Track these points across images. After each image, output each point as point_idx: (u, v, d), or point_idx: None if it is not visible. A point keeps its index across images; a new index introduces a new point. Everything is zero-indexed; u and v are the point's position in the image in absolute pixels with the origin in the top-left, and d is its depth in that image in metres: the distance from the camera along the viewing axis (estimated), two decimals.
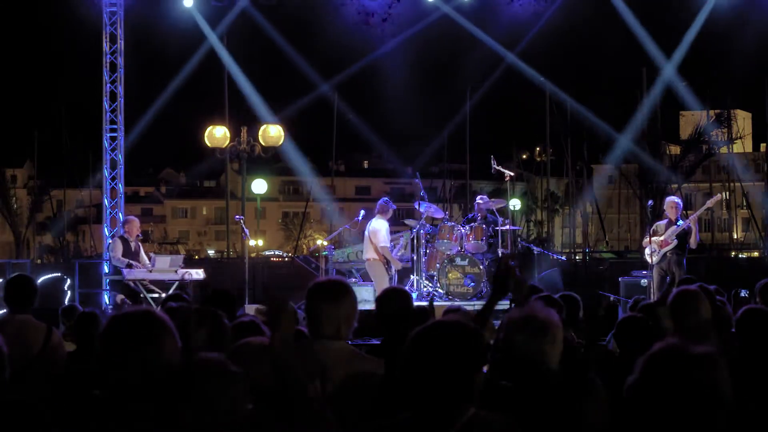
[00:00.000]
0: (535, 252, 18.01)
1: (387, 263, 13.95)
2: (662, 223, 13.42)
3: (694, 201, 48.29)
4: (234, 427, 2.75)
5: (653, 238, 13.23)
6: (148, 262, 13.45)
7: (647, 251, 13.38)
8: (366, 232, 14.09)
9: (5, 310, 6.63)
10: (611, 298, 14.91)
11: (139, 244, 13.79)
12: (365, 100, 29.59)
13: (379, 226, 13.92)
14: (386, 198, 14.68)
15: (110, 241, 15.12)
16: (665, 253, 13.11)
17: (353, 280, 14.79)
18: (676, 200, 13.74)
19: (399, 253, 14.67)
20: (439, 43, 22.04)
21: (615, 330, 5.61)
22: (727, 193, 42.03)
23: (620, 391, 4.50)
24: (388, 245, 13.99)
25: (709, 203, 14.02)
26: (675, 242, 13.05)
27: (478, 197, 15.74)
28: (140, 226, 14.06)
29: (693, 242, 13.15)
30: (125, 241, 13.59)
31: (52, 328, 6.27)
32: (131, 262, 13.29)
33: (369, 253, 13.94)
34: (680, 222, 13.23)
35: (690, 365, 2.55)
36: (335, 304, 4.21)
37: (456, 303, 12.19)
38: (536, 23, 22.37)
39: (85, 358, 5.83)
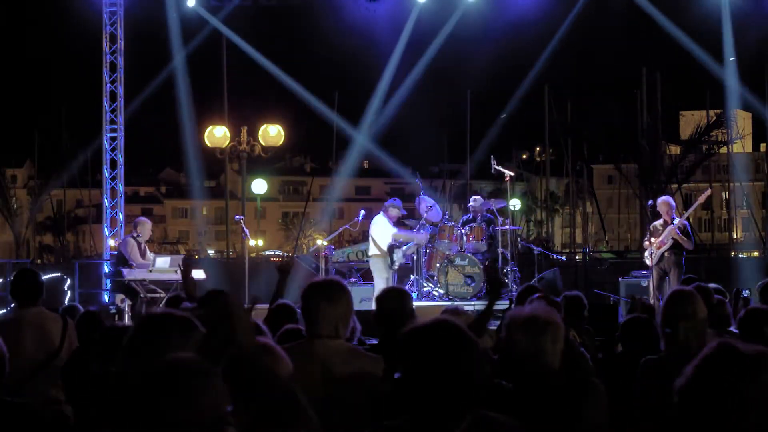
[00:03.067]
0: (535, 252, 18.02)
1: (389, 261, 13.90)
2: (659, 222, 13.40)
3: (694, 201, 48.25)
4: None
5: (652, 239, 13.23)
6: (149, 260, 13.44)
7: (646, 253, 13.39)
8: (369, 230, 14.12)
9: (12, 306, 6.70)
10: (611, 298, 14.93)
11: (146, 245, 13.78)
12: (365, 99, 29.54)
13: (377, 220, 13.97)
14: (395, 198, 14.64)
15: (122, 241, 15.08)
16: (663, 253, 13.10)
17: (353, 280, 14.78)
18: (668, 200, 13.73)
19: (408, 251, 14.52)
20: (439, 43, 22.02)
21: (618, 330, 5.61)
22: (727, 193, 42.04)
23: (621, 391, 4.51)
24: (391, 233, 13.84)
25: (701, 199, 14.05)
26: (671, 242, 13.04)
27: (472, 198, 15.66)
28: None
29: (688, 244, 13.14)
30: (138, 243, 13.53)
31: (68, 318, 6.34)
32: (120, 269, 13.27)
33: (371, 250, 13.96)
34: (676, 220, 13.22)
35: (745, 365, 2.51)
36: (332, 303, 4.24)
37: (456, 303, 12.20)
38: (538, 24, 22.38)
39: (86, 357, 5.84)
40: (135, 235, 13.60)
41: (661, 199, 13.81)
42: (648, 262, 13.41)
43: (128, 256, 13.44)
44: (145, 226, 13.70)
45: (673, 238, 13.01)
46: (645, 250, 13.52)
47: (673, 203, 13.71)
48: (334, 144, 35.18)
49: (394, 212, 14.12)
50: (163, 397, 2.56)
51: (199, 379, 2.59)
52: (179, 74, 24.34)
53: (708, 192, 14.07)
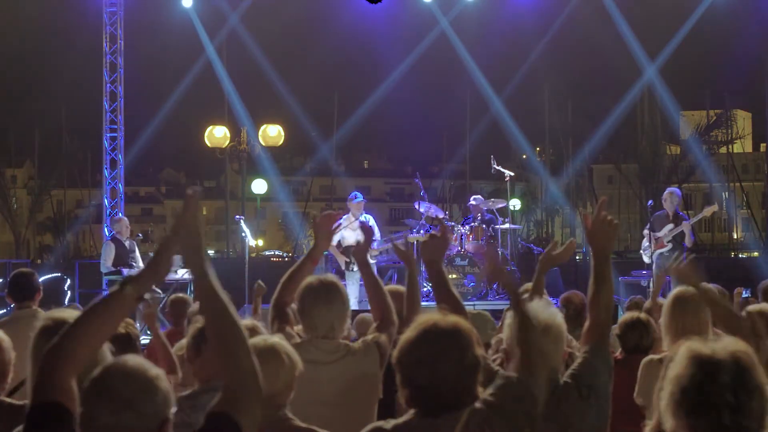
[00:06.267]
0: (535, 252, 18.01)
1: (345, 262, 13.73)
2: (660, 214, 13.30)
3: (694, 201, 48.27)
4: None
5: (652, 233, 13.14)
6: (141, 263, 13.43)
7: (644, 244, 13.32)
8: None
9: (11, 306, 6.61)
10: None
11: (134, 242, 13.74)
12: (365, 99, 29.58)
13: None
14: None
15: (104, 243, 15.08)
16: (661, 253, 13.05)
17: None
18: (673, 191, 13.60)
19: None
20: (440, 45, 22.02)
21: (616, 330, 5.60)
22: (727, 193, 42.08)
23: (620, 390, 4.50)
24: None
25: (706, 212, 13.96)
26: (669, 246, 12.98)
27: (472, 198, 15.66)
28: (140, 226, 14.00)
29: (688, 241, 13.12)
30: (118, 242, 13.51)
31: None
32: (131, 264, 13.27)
33: None
34: (680, 213, 13.15)
35: None
36: (327, 304, 4.26)
37: None
38: (538, 24, 22.36)
39: None
40: (116, 235, 13.64)
41: (668, 190, 13.66)
42: (646, 259, 13.37)
43: (102, 261, 13.50)
44: (121, 224, 13.72)
45: (671, 240, 12.94)
46: (644, 238, 13.44)
47: (679, 194, 13.61)
48: (334, 144, 35.21)
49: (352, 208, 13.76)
50: (103, 407, 2.49)
51: (139, 386, 2.52)
52: (179, 73, 24.37)
53: (714, 207, 13.94)
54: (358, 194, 14.00)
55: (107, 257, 13.38)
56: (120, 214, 17.82)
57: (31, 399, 2.73)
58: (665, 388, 2.51)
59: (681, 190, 39.82)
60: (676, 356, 2.54)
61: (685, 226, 12.96)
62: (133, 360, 2.59)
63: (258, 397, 2.60)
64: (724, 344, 2.51)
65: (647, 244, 13.24)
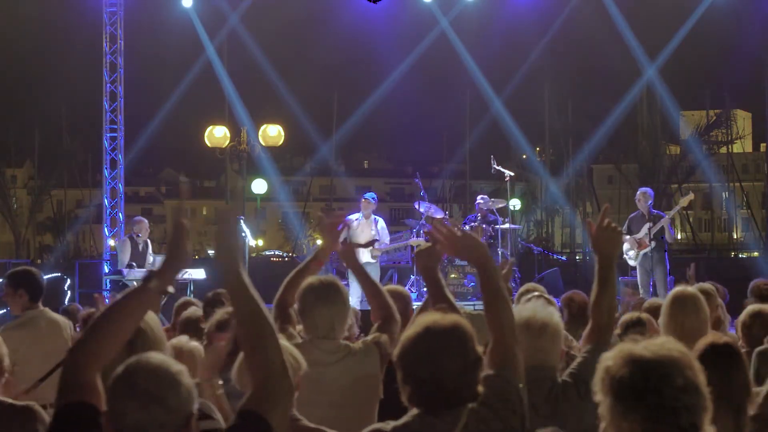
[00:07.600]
0: (535, 252, 18.03)
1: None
2: (635, 215, 13.33)
3: (694, 201, 48.25)
4: None
5: (629, 237, 13.11)
6: (152, 262, 13.45)
7: (625, 248, 13.25)
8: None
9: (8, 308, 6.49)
10: None
11: (148, 243, 13.76)
12: (365, 99, 29.58)
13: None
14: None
15: (119, 241, 15.06)
16: (645, 253, 13.04)
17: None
18: (645, 190, 13.64)
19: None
20: (439, 43, 22.02)
21: (617, 329, 5.60)
22: (727, 193, 42.07)
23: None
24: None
25: (683, 202, 14.02)
26: (653, 244, 12.96)
27: (479, 197, 15.73)
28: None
29: (669, 237, 13.13)
30: (134, 242, 13.55)
31: (70, 322, 6.27)
32: (132, 263, 13.29)
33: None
34: (654, 212, 13.16)
35: None
36: (328, 304, 4.26)
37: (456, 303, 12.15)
38: (538, 24, 22.36)
39: None
40: (133, 235, 13.65)
41: (640, 190, 13.75)
42: (631, 263, 13.36)
43: (119, 256, 13.51)
44: (141, 225, 13.73)
45: (653, 239, 12.92)
46: (624, 243, 13.37)
47: (651, 193, 13.64)
48: (334, 144, 35.21)
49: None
50: (131, 403, 2.50)
51: (165, 382, 2.53)
52: (179, 73, 24.38)
53: (690, 196, 14.02)
54: (370, 195, 14.00)
55: (125, 254, 13.38)
56: (120, 214, 17.84)
57: (57, 399, 2.72)
58: (605, 392, 2.47)
59: (681, 190, 39.71)
60: (609, 359, 2.50)
61: (665, 221, 13.01)
62: (156, 356, 2.60)
63: (290, 395, 2.62)
64: (660, 344, 2.47)
65: (628, 246, 13.21)
